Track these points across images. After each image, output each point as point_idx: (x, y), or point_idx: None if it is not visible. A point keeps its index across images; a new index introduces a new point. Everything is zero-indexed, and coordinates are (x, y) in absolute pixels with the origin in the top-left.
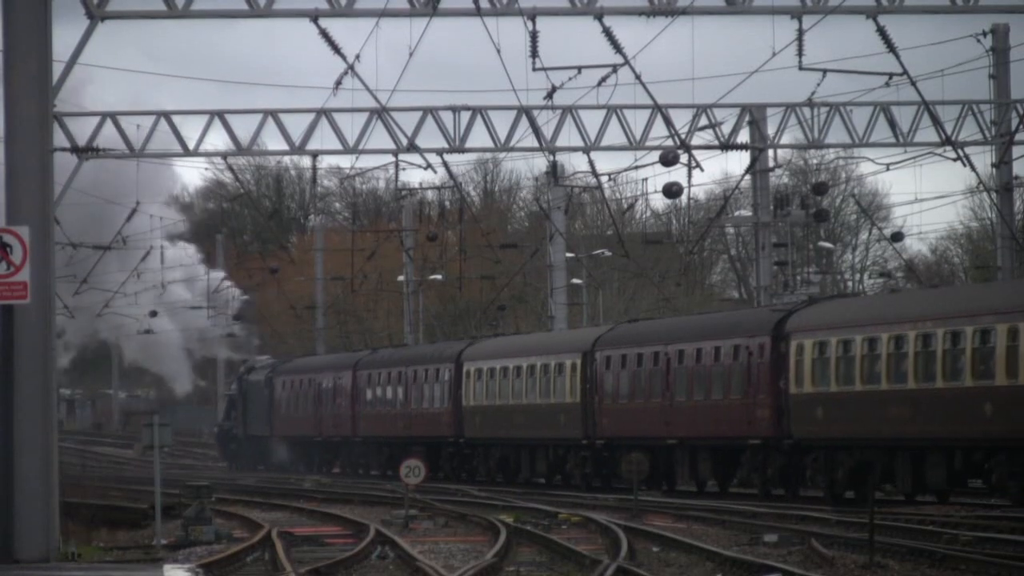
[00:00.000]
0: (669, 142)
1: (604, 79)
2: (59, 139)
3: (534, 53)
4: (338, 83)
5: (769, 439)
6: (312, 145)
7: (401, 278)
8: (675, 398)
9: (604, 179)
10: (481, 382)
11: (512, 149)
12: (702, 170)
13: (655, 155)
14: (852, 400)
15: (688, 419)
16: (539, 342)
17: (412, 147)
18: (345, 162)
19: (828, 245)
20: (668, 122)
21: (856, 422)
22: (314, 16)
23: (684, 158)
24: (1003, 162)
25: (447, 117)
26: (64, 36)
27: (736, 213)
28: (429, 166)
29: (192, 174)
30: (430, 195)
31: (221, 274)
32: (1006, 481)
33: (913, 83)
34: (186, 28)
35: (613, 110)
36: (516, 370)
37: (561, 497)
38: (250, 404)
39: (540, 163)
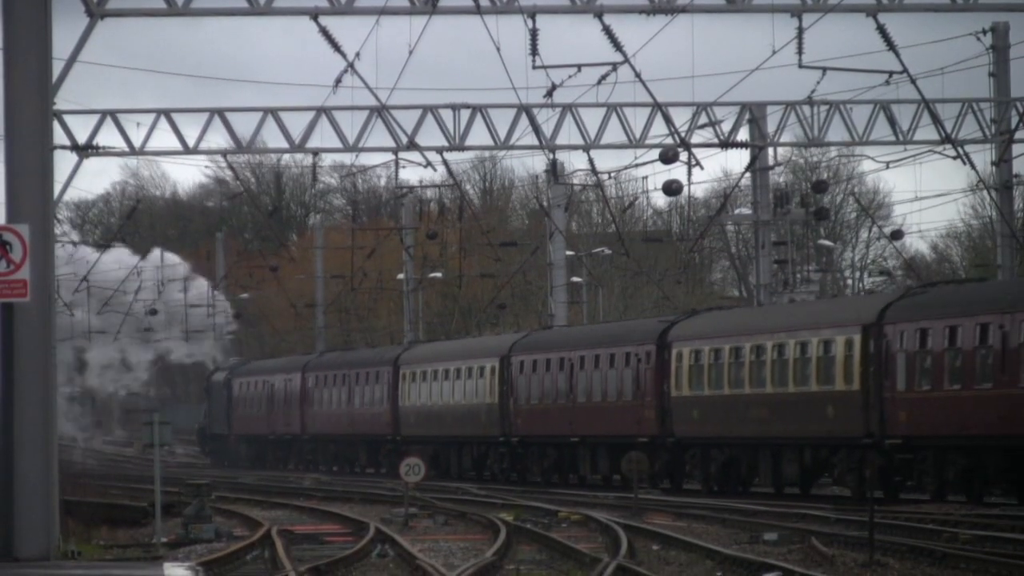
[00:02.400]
0: (669, 140)
1: (604, 77)
2: (59, 137)
3: (534, 51)
4: (338, 81)
5: (655, 437)
6: (312, 143)
7: (401, 276)
8: (577, 400)
9: (604, 177)
10: (416, 384)
11: (512, 147)
12: (702, 168)
13: (655, 153)
14: (721, 402)
15: (588, 419)
16: (465, 347)
17: (412, 145)
18: (346, 160)
19: (828, 243)
20: (668, 120)
21: (725, 422)
22: (314, 14)
23: (684, 156)
24: (1003, 160)
25: (447, 115)
26: (64, 34)
27: (736, 211)
28: (429, 164)
29: (192, 172)
30: (430, 193)
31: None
32: (845, 476)
33: (913, 81)
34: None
35: (613, 108)
36: (445, 373)
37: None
38: (213, 404)
39: (538, 162)
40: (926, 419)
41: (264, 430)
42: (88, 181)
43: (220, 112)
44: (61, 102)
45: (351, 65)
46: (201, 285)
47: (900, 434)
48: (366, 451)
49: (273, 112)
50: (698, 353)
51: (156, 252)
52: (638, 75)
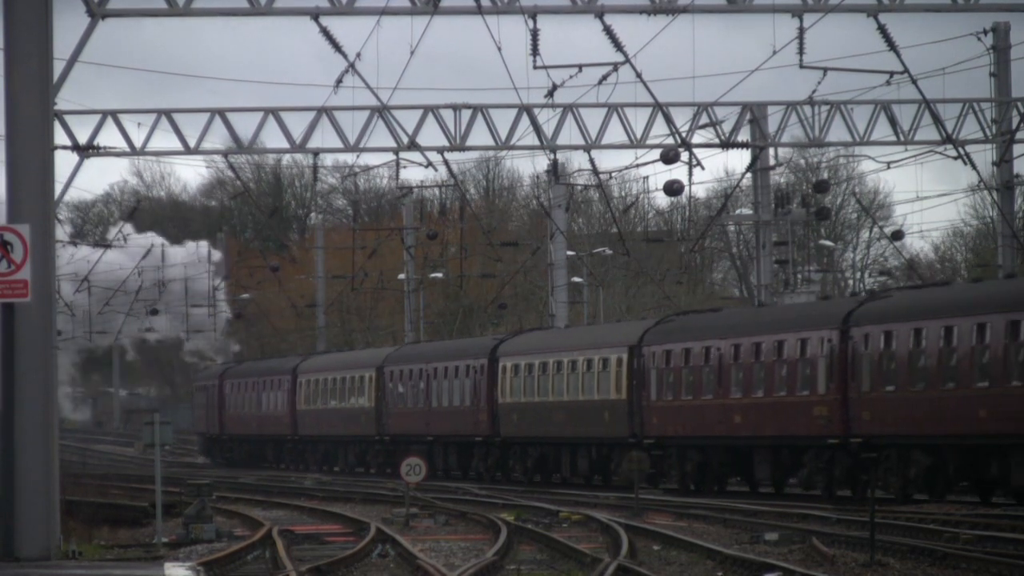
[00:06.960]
0: (670, 140)
1: (605, 77)
2: (60, 137)
3: (535, 51)
4: (339, 81)
5: (488, 437)
6: (313, 143)
7: (402, 276)
8: (432, 404)
9: (605, 177)
10: (310, 390)
11: (513, 147)
12: (703, 168)
13: (656, 153)
14: (533, 408)
15: (438, 421)
16: (349, 358)
17: (413, 145)
18: (347, 160)
19: (829, 243)
20: (669, 120)
21: (536, 424)
22: (315, 14)
23: (685, 156)
24: (1004, 160)
25: (448, 115)
26: (64, 34)
27: (737, 211)
28: (430, 164)
29: (192, 172)
30: (430, 193)
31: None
32: (619, 469)
33: (914, 81)
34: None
35: (614, 108)
36: (332, 381)
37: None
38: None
39: (541, 161)
40: (670, 423)
41: (203, 429)
42: (88, 181)
43: (221, 112)
44: (62, 102)
45: (352, 65)
46: (201, 284)
47: (654, 435)
48: (272, 449)
49: (274, 112)
50: (517, 367)
51: (157, 247)
52: (639, 75)
